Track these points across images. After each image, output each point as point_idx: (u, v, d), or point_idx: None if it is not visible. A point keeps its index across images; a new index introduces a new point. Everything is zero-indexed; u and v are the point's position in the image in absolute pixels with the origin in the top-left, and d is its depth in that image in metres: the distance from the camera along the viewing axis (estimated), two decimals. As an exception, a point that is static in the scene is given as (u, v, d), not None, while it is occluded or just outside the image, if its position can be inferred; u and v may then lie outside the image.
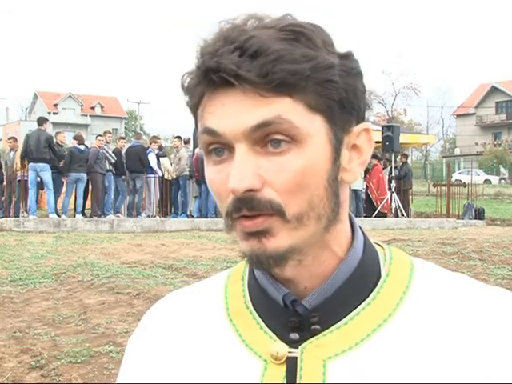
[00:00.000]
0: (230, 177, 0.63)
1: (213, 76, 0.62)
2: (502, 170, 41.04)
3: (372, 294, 0.69)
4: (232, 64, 0.61)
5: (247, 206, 0.63)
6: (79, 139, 14.18)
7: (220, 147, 0.65)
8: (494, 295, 0.69)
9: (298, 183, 0.63)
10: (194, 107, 0.68)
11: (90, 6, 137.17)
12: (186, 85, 0.67)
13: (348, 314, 0.68)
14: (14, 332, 5.36)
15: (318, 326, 0.68)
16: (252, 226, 0.64)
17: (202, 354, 0.72)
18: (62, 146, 14.22)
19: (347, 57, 0.67)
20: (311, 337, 0.68)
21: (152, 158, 15.01)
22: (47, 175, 13.33)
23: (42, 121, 13.98)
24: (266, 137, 0.63)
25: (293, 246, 0.65)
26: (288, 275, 0.68)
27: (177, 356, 0.74)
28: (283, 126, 0.62)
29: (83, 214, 14.20)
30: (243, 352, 0.70)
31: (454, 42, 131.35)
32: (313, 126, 0.64)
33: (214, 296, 0.77)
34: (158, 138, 17.07)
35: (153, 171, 15.14)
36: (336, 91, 0.64)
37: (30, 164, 13.19)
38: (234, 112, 0.63)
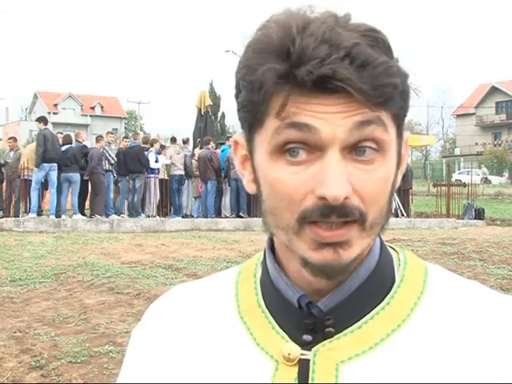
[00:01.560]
0: (323, 181, 0.61)
1: (328, 83, 0.60)
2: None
3: (386, 298, 0.69)
4: (349, 74, 0.60)
5: (339, 212, 0.61)
6: (64, 139, 14.16)
7: (299, 147, 0.63)
8: (507, 303, 0.69)
9: (379, 192, 0.64)
10: (267, 103, 0.63)
11: (90, 5, 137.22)
12: (264, 78, 0.62)
13: (362, 318, 0.68)
14: (14, 332, 5.35)
15: (331, 329, 0.67)
16: (334, 236, 0.62)
17: (211, 352, 0.71)
18: (61, 146, 14.24)
19: (398, 63, 0.67)
20: (324, 339, 0.67)
21: (152, 157, 15.02)
22: (55, 175, 13.39)
23: (46, 120, 14.01)
24: (358, 143, 0.62)
25: (358, 254, 0.65)
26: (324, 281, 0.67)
27: (185, 353, 0.72)
28: (380, 128, 0.63)
29: (83, 213, 14.20)
30: (254, 351, 0.69)
31: (453, 41, 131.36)
32: (391, 137, 0.65)
33: (224, 292, 0.75)
34: (157, 140, 17.12)
35: (153, 171, 15.15)
36: (407, 103, 0.66)
37: (44, 164, 13.20)
38: (334, 113, 0.62)
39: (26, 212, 13.75)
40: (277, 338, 0.69)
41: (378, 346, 0.66)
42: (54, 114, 69.17)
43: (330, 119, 0.61)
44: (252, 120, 0.66)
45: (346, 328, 0.67)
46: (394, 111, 0.64)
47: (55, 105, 70.54)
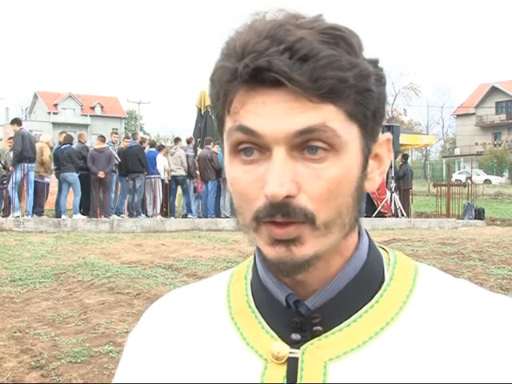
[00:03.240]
0: (266, 180, 0.62)
1: (263, 75, 0.61)
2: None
3: (375, 297, 0.69)
4: (285, 65, 0.60)
5: (282, 212, 0.62)
6: (65, 139, 14.15)
7: (251, 147, 0.64)
8: (496, 301, 0.69)
9: (331, 191, 0.63)
10: (222, 102, 0.65)
11: (89, 5, 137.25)
12: (217, 77, 0.65)
13: (351, 317, 0.68)
14: (14, 332, 5.36)
15: (319, 327, 0.68)
16: (284, 234, 0.63)
17: (202, 353, 0.72)
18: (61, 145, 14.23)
19: (377, 64, 0.66)
20: (313, 338, 0.68)
21: (160, 160, 15.12)
22: (33, 175, 13.42)
23: (20, 121, 14.02)
24: (306, 142, 0.62)
25: (317, 253, 0.65)
26: (300, 278, 0.68)
27: (177, 354, 0.73)
28: (326, 134, 0.62)
29: (83, 214, 14.19)
30: (244, 351, 0.70)
31: (453, 41, 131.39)
32: (350, 135, 0.64)
33: (216, 295, 0.77)
34: (163, 146, 17.22)
35: (157, 172, 15.21)
36: (372, 101, 0.65)
37: (24, 164, 13.16)
38: (276, 114, 0.62)
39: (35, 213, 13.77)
40: (266, 337, 0.70)
41: (366, 344, 0.66)
42: (54, 114, 69.20)
43: (274, 120, 0.62)
44: (216, 119, 0.68)
45: (335, 326, 0.68)
46: (348, 108, 0.63)
47: (55, 105, 70.48)
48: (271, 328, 0.70)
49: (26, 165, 13.17)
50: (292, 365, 0.67)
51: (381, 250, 0.75)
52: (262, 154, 0.63)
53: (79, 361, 4.56)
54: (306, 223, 0.63)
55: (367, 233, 0.73)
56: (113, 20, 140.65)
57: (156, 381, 0.73)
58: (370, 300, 0.69)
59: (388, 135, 0.70)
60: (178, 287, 0.84)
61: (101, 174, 13.75)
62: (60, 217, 13.67)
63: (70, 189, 13.96)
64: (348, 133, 0.63)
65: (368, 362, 0.65)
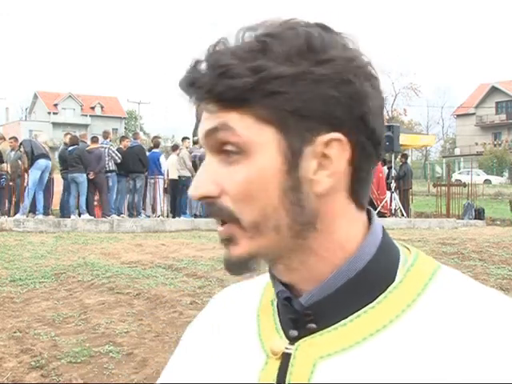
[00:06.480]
0: None
1: (187, 90, 0.68)
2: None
3: (378, 298, 0.67)
4: (185, 80, 0.67)
5: (208, 211, 0.68)
6: (71, 140, 14.18)
7: None
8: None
9: (246, 193, 0.65)
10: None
11: (89, 5, 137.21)
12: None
13: (349, 316, 0.67)
14: (14, 332, 5.36)
15: (313, 325, 0.68)
16: (220, 233, 0.68)
17: (225, 346, 0.76)
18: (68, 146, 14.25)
19: (322, 63, 0.64)
20: (308, 335, 0.68)
21: (163, 161, 15.23)
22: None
23: None
24: (221, 146, 0.66)
25: (252, 254, 0.67)
26: (282, 278, 0.70)
27: (207, 346, 0.78)
28: (227, 133, 0.65)
29: (79, 214, 14.19)
30: (256, 345, 0.72)
31: (453, 41, 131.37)
32: (261, 137, 0.64)
33: (256, 291, 0.80)
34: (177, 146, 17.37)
35: (161, 172, 15.27)
36: (288, 102, 0.63)
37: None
38: (203, 123, 0.68)
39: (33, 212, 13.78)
40: (274, 333, 0.72)
41: (359, 344, 0.65)
42: (54, 114, 69.23)
43: (201, 127, 0.69)
44: None
45: (331, 325, 0.67)
46: (255, 112, 0.64)
47: (55, 105, 70.50)
48: (281, 324, 0.72)
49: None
50: (285, 361, 0.68)
51: (404, 250, 0.72)
52: None
53: (79, 361, 4.56)
54: (234, 223, 0.66)
55: (384, 231, 0.71)
56: (113, 20, 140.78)
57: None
58: (372, 301, 0.67)
59: (336, 135, 0.65)
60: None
61: (90, 175, 13.77)
62: (69, 217, 13.65)
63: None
64: (258, 135, 0.64)
65: (356, 362, 0.64)
